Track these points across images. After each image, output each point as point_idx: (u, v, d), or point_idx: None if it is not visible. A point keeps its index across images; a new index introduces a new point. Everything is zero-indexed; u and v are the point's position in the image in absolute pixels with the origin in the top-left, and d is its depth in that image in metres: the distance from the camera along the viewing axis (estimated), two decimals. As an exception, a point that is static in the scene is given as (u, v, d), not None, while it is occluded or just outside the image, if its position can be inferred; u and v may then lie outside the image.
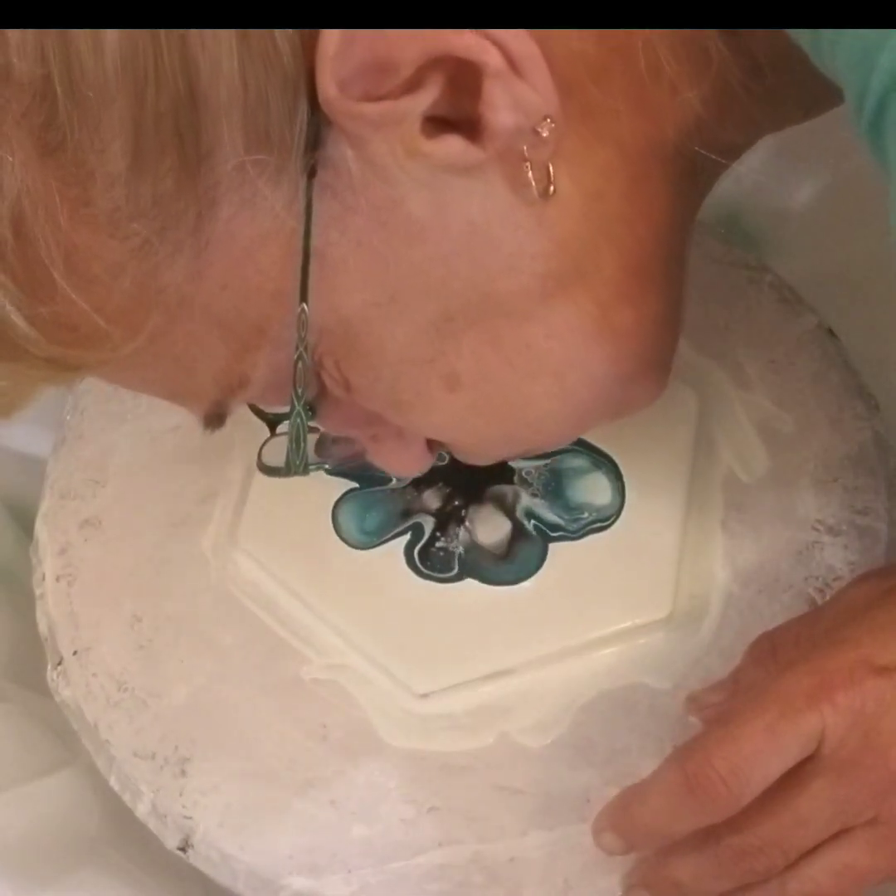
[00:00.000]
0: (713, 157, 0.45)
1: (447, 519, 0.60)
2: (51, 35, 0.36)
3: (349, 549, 0.60)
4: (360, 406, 0.48)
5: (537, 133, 0.40)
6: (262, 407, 0.52)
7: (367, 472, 0.59)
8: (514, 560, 0.59)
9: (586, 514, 0.60)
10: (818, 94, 0.41)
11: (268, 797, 0.55)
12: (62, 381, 0.43)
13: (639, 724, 0.55)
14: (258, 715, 0.57)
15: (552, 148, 0.41)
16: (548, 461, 0.61)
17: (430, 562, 0.59)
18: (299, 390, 0.44)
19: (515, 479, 0.61)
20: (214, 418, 0.47)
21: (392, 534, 0.60)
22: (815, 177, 0.70)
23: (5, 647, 0.65)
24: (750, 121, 0.45)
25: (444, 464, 0.59)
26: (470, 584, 0.59)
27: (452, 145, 0.40)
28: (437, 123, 0.40)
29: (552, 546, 0.59)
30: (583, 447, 0.61)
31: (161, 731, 0.57)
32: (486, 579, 0.59)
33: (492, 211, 0.42)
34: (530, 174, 0.41)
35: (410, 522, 0.60)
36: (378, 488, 0.61)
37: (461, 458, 0.53)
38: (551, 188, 0.42)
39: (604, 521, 0.60)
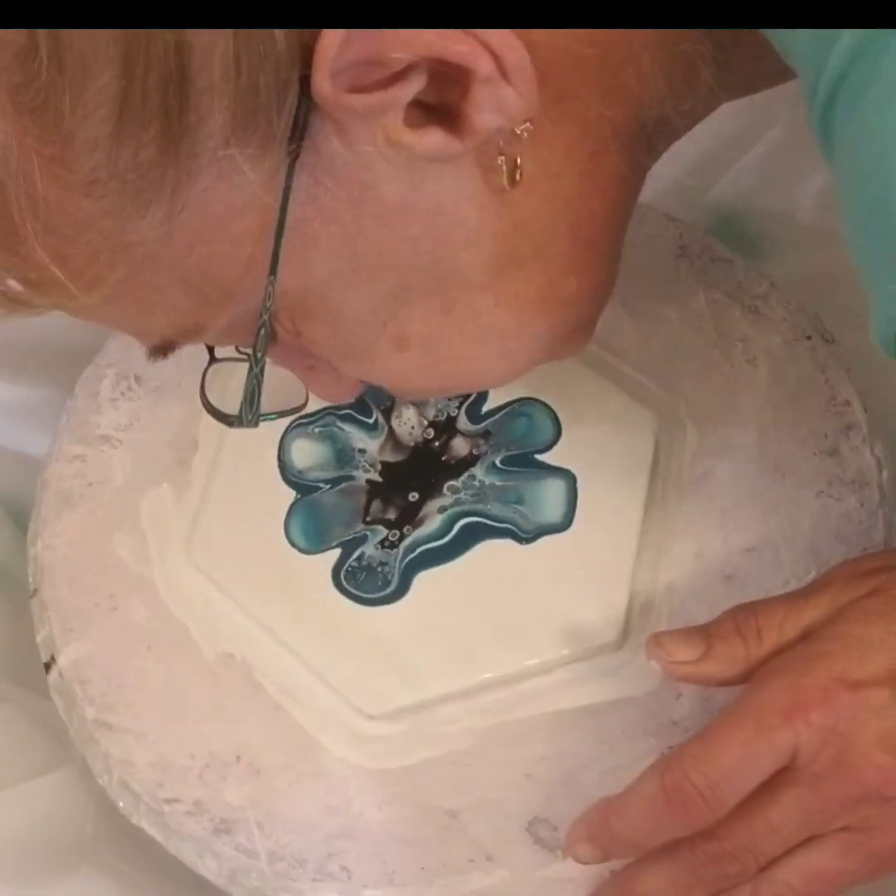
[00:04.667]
0: (673, 124, 0.46)
1: (400, 523, 0.61)
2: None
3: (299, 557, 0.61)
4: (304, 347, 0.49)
5: (516, 132, 0.41)
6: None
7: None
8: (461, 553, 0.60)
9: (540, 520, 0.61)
10: (776, 67, 0.41)
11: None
12: (18, 315, 0.42)
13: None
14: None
15: (526, 143, 0.42)
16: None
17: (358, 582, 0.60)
18: (259, 354, 0.45)
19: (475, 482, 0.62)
20: (161, 351, 0.47)
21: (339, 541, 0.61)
22: (813, 178, 0.70)
23: (1, 646, 0.66)
24: (711, 92, 0.45)
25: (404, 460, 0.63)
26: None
27: (433, 138, 0.41)
28: (419, 109, 0.40)
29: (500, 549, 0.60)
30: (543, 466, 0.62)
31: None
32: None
33: (460, 194, 0.43)
34: (502, 164, 0.43)
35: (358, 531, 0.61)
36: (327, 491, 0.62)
37: (395, 395, 0.57)
38: (519, 175, 0.43)
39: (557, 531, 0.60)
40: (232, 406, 0.48)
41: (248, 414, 0.47)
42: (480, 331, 0.48)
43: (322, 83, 0.38)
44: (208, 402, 0.53)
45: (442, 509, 0.61)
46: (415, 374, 0.50)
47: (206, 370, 0.53)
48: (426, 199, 0.43)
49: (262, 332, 0.44)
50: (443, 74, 0.39)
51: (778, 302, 0.64)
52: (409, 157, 0.41)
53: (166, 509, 0.63)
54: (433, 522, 0.61)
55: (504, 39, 0.39)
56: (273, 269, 0.42)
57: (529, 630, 0.58)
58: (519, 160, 0.43)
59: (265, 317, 0.44)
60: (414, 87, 0.39)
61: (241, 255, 0.42)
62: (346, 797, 0.55)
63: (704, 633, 0.51)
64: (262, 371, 0.45)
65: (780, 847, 0.48)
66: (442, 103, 0.40)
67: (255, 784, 0.56)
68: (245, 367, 0.46)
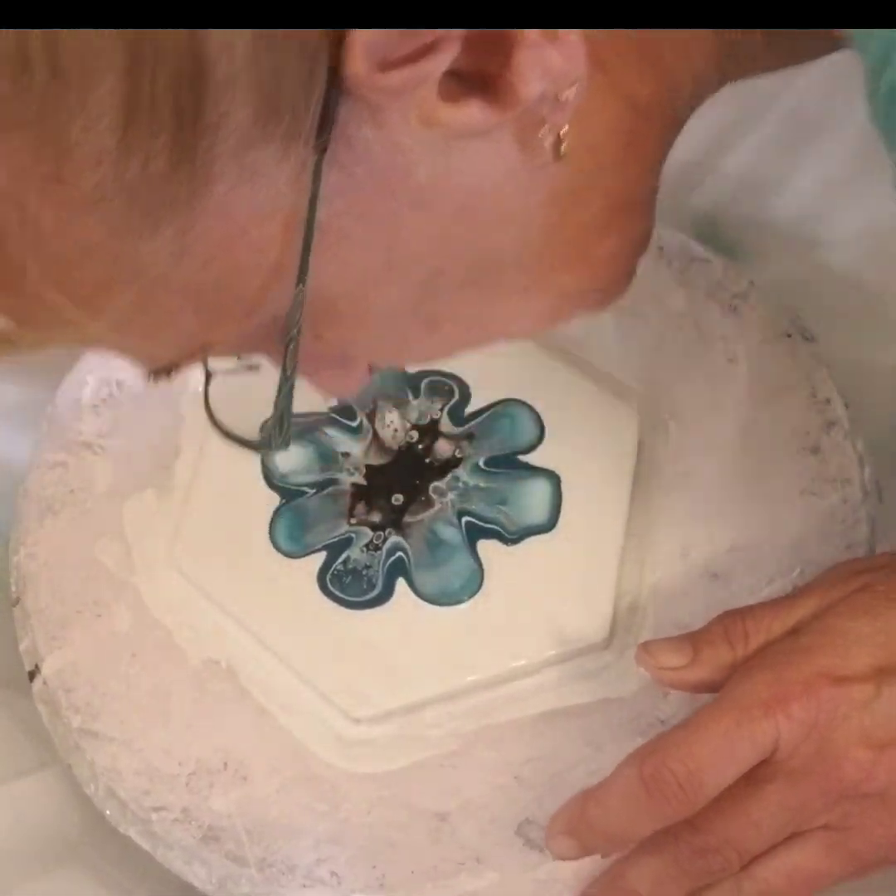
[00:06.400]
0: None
1: (384, 525, 0.61)
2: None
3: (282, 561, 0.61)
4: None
5: (560, 99, 0.38)
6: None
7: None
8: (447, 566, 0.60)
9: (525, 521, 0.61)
10: (802, 44, 0.41)
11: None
12: (16, 355, 0.39)
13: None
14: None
15: (572, 111, 0.39)
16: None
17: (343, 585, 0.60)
18: (289, 371, 0.41)
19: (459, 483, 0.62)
20: (164, 372, 0.44)
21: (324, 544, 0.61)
22: (790, 185, 0.70)
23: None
24: (738, 67, 0.44)
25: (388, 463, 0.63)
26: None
27: (471, 110, 0.37)
28: (453, 80, 0.37)
29: (485, 551, 0.60)
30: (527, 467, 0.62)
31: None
32: (415, 588, 0.60)
33: (497, 172, 0.40)
34: (544, 136, 0.39)
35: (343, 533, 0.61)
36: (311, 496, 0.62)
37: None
38: (563, 148, 0.40)
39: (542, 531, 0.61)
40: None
41: (278, 437, 0.43)
42: (513, 302, 0.45)
43: (355, 62, 0.34)
44: (219, 424, 0.48)
45: (426, 511, 0.61)
46: (441, 350, 0.47)
47: (207, 388, 0.49)
48: (461, 181, 0.39)
49: (291, 347, 0.40)
50: (477, 41, 0.35)
51: (758, 300, 0.64)
52: (444, 135, 0.37)
53: (149, 515, 0.63)
54: (418, 525, 0.61)
55: None
56: (302, 277, 0.38)
57: (515, 631, 0.58)
58: (562, 133, 0.39)
59: (294, 331, 0.40)
60: (448, 56, 0.35)
61: (264, 264, 0.38)
62: (333, 802, 0.55)
63: (692, 640, 0.51)
64: (291, 389, 0.41)
65: (762, 843, 0.48)
66: (477, 71, 0.36)
67: (243, 790, 0.56)
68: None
